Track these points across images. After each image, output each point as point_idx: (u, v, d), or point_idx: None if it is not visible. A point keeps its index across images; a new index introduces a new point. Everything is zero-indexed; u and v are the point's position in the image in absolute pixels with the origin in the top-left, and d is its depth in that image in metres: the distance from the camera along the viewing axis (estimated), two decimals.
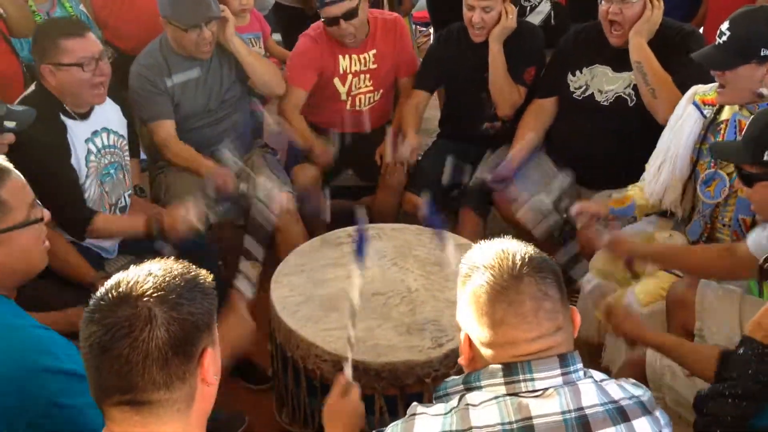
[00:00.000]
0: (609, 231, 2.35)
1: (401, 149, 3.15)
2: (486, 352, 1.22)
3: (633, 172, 2.58)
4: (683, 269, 2.28)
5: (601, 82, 2.88)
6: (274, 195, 2.58)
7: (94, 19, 3.35)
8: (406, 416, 1.25)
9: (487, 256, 1.25)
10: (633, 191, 2.52)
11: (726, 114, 2.30)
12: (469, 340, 1.25)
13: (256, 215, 2.45)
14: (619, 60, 2.79)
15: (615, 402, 1.21)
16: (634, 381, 1.31)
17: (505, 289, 1.20)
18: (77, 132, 2.45)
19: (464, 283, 1.26)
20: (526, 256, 1.23)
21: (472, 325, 1.24)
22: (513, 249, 1.25)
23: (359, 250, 1.94)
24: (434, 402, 1.27)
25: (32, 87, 2.46)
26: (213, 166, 2.87)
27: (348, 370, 1.72)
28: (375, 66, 3.25)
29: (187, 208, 2.47)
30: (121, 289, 1.11)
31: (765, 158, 1.79)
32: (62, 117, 2.42)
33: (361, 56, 3.22)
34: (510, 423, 1.16)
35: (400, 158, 3.16)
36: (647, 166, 2.52)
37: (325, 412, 1.66)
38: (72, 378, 1.42)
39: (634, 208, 2.50)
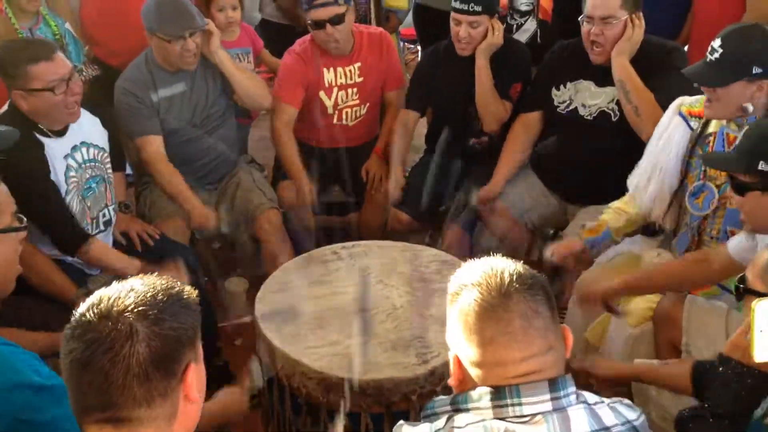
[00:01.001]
0: (573, 284, 2.35)
1: (388, 187, 3.17)
2: (475, 373, 1.20)
3: (618, 188, 2.58)
4: (662, 288, 2.29)
5: (584, 97, 2.89)
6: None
7: (82, 36, 3.34)
8: None
9: (476, 274, 1.23)
10: (607, 215, 2.53)
11: (714, 127, 2.31)
12: (459, 361, 1.23)
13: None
14: (603, 75, 2.81)
15: (607, 429, 1.19)
16: (628, 402, 1.28)
17: (493, 307, 1.18)
18: (54, 149, 2.43)
19: (453, 302, 1.24)
20: (515, 273, 1.21)
21: (461, 345, 1.22)
22: (501, 266, 1.23)
23: None
24: (422, 421, 1.25)
25: (5, 107, 2.42)
26: (196, 203, 2.90)
27: (340, 427, 1.71)
28: (361, 79, 3.25)
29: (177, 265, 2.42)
30: (102, 305, 1.10)
31: (759, 168, 1.80)
32: (37, 136, 2.39)
33: (347, 69, 3.23)
34: None
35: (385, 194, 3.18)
36: (630, 179, 2.53)
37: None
38: (39, 392, 1.40)
39: (609, 234, 2.51)
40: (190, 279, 2.40)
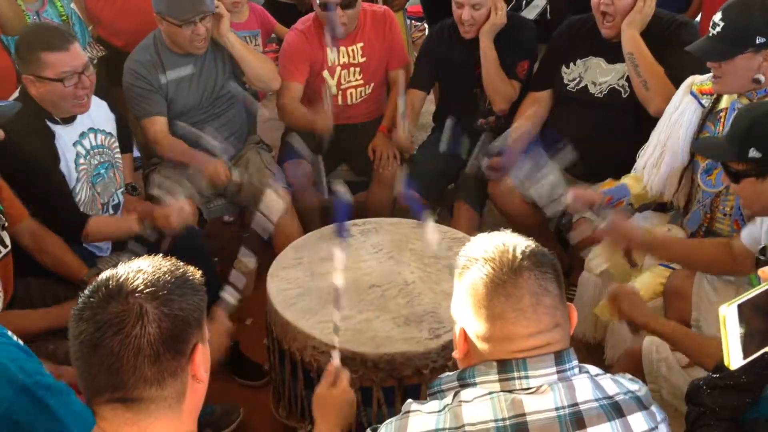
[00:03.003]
0: (609, 215, 2.31)
1: (395, 133, 3.15)
2: (482, 347, 1.20)
3: (627, 165, 2.58)
4: (683, 262, 2.27)
5: (594, 74, 2.88)
6: (276, 207, 2.54)
7: (86, 16, 3.33)
8: (401, 413, 1.23)
9: (487, 249, 1.22)
10: (625, 180, 2.52)
11: (725, 102, 2.30)
12: (465, 333, 1.23)
13: (255, 226, 2.43)
14: (613, 52, 2.79)
15: (610, 397, 1.20)
16: (630, 376, 1.29)
17: (504, 283, 1.18)
18: (64, 137, 2.42)
19: (462, 275, 1.24)
20: (527, 249, 1.21)
21: (468, 319, 1.22)
22: (513, 242, 1.23)
23: (340, 229, 1.92)
24: (429, 398, 1.25)
25: (17, 92, 2.42)
26: (205, 158, 2.86)
27: (336, 359, 1.70)
28: (364, 59, 3.24)
29: (180, 203, 2.44)
30: (110, 286, 1.10)
31: (750, 155, 1.77)
32: (49, 123, 2.39)
33: (349, 48, 3.22)
34: (503, 420, 1.14)
35: (397, 142, 3.16)
36: (640, 156, 2.52)
37: (314, 403, 1.65)
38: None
39: (626, 188, 2.49)
40: (198, 260, 2.40)
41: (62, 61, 2.27)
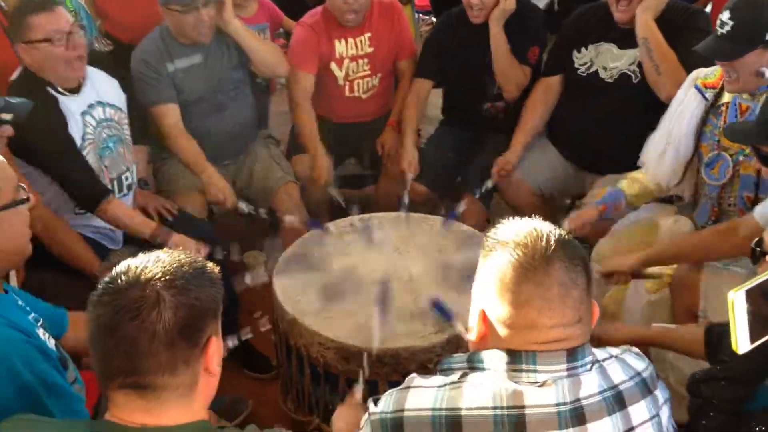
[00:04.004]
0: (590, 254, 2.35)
1: (401, 161, 3.15)
2: (502, 332, 1.18)
3: (635, 152, 2.56)
4: (689, 259, 2.27)
5: (605, 59, 2.87)
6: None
7: (94, 10, 3.34)
8: (403, 385, 1.23)
9: (519, 233, 1.19)
10: (621, 183, 2.53)
11: (727, 97, 2.29)
12: (485, 315, 1.21)
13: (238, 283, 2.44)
14: (625, 38, 2.78)
15: (614, 387, 1.19)
16: (637, 351, 1.27)
17: (534, 269, 1.15)
18: (70, 106, 2.44)
19: (488, 257, 1.21)
20: (561, 239, 1.18)
21: (491, 301, 1.20)
22: (546, 229, 1.20)
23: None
24: (437, 374, 1.24)
25: (18, 71, 2.44)
26: (214, 175, 2.92)
27: (359, 393, 1.70)
28: (371, 49, 3.23)
29: (198, 246, 2.43)
30: (130, 274, 1.13)
31: None
32: (50, 90, 2.40)
33: (357, 39, 3.21)
34: (501, 408, 1.13)
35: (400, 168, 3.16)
36: (645, 152, 2.51)
37: (333, 421, 1.65)
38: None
39: (620, 192, 2.50)
40: (209, 253, 2.42)
41: (48, 20, 2.32)
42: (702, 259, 2.24)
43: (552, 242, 1.17)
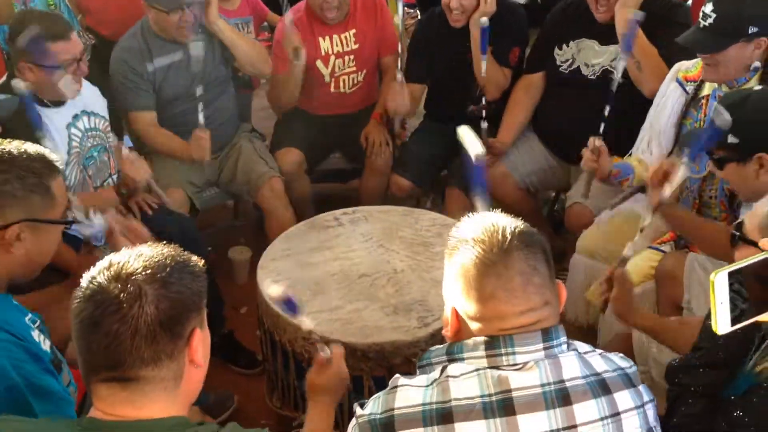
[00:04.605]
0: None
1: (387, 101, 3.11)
2: (473, 326, 1.21)
3: (619, 147, 2.57)
4: (689, 234, 2.24)
5: (587, 56, 2.87)
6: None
7: (75, 6, 3.31)
8: (389, 387, 1.24)
9: (477, 230, 1.23)
10: (632, 162, 2.51)
11: (707, 90, 2.30)
12: (456, 312, 1.24)
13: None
14: (606, 34, 2.77)
15: (597, 374, 1.21)
16: (621, 355, 1.30)
17: (494, 264, 1.18)
18: (54, 119, 2.42)
19: (452, 256, 1.24)
20: (516, 230, 1.22)
21: (459, 299, 1.23)
22: (502, 223, 1.23)
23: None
24: (418, 372, 1.26)
25: (4, 78, 2.42)
26: (190, 146, 2.88)
27: (326, 351, 1.67)
28: (356, 46, 3.22)
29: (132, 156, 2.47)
30: (112, 269, 1.13)
31: (729, 141, 1.80)
32: (36, 106, 2.36)
33: (342, 36, 3.19)
34: (489, 395, 1.15)
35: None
36: (636, 143, 2.52)
37: (307, 391, 1.65)
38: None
39: (631, 168, 2.45)
40: (192, 249, 2.40)
41: (64, 49, 2.33)
42: (700, 245, 2.21)
43: (508, 234, 1.20)
